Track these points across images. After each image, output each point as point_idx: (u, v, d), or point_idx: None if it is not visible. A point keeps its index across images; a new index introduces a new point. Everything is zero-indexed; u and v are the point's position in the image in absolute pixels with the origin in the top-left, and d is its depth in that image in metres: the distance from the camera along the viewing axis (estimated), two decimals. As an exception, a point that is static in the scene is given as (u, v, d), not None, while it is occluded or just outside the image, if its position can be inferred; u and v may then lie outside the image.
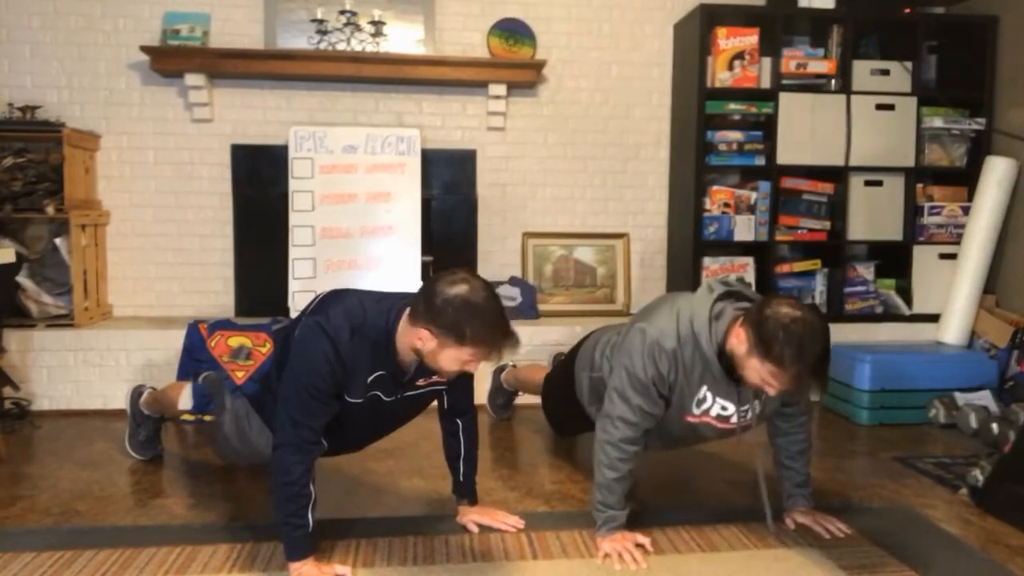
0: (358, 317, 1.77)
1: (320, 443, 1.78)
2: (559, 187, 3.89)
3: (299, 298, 3.45)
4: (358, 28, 3.59)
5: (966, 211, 3.65)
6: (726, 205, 3.64)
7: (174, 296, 3.68)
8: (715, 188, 3.66)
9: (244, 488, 2.37)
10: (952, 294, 3.55)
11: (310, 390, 1.73)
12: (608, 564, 1.86)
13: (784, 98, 3.58)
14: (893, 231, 3.70)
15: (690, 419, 1.97)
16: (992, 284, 3.60)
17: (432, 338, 1.68)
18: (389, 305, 1.80)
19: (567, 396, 2.39)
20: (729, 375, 1.86)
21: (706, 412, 1.95)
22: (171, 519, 2.12)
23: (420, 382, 1.88)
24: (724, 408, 1.94)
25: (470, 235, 3.80)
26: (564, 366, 2.52)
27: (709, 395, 1.92)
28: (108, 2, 3.56)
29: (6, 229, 3.33)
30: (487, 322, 1.66)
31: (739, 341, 1.77)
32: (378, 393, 1.83)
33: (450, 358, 1.70)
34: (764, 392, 1.79)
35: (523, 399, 3.15)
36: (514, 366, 3.17)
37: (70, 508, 2.20)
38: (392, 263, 3.55)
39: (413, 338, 1.72)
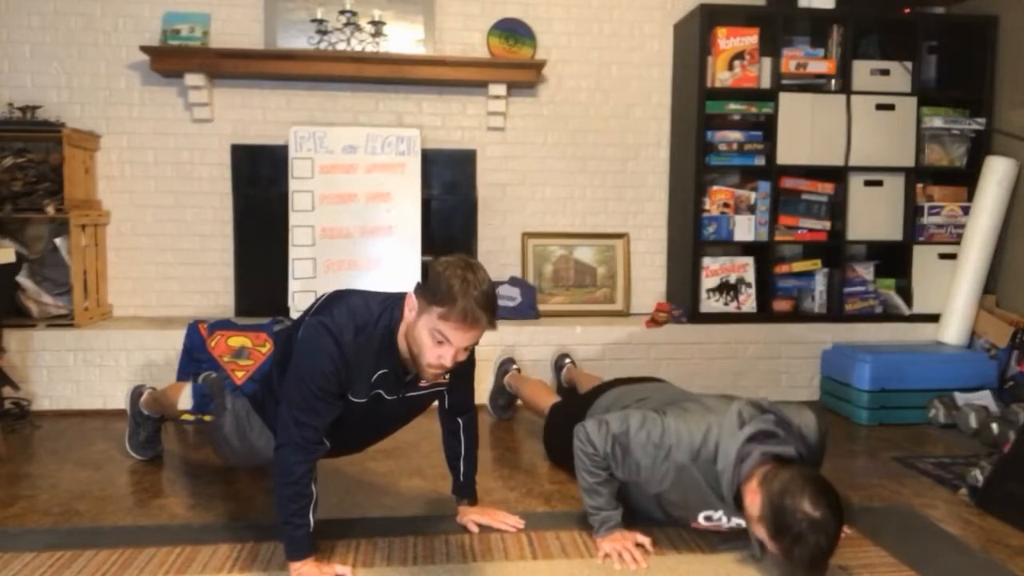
0: (362, 316, 1.77)
1: (323, 443, 1.78)
2: (559, 187, 3.89)
3: (299, 298, 3.45)
4: (358, 28, 3.59)
5: (966, 211, 3.65)
6: (726, 205, 3.64)
7: (174, 296, 3.68)
8: (715, 188, 3.66)
9: (244, 488, 2.37)
10: (952, 294, 3.55)
11: (314, 390, 1.73)
12: (608, 564, 1.86)
13: (784, 98, 3.58)
14: (893, 231, 3.70)
15: (695, 526, 1.97)
16: (992, 284, 3.60)
17: (417, 304, 1.71)
18: (392, 304, 1.81)
19: (570, 441, 2.35)
20: (739, 506, 1.84)
21: (716, 522, 1.94)
22: (171, 519, 2.13)
23: (422, 381, 1.88)
24: (739, 524, 1.91)
25: (470, 235, 3.80)
26: (576, 407, 2.44)
27: (723, 515, 1.92)
28: (108, 2, 3.56)
29: (6, 229, 3.33)
30: (465, 292, 1.65)
31: (752, 503, 1.75)
32: (381, 392, 1.83)
33: (424, 328, 1.69)
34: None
35: (523, 399, 3.15)
36: (518, 370, 3.17)
37: (70, 508, 2.20)
38: (392, 263, 3.55)
39: (406, 308, 1.75)
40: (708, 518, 1.93)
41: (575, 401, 2.61)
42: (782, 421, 1.91)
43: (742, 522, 1.87)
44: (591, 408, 2.34)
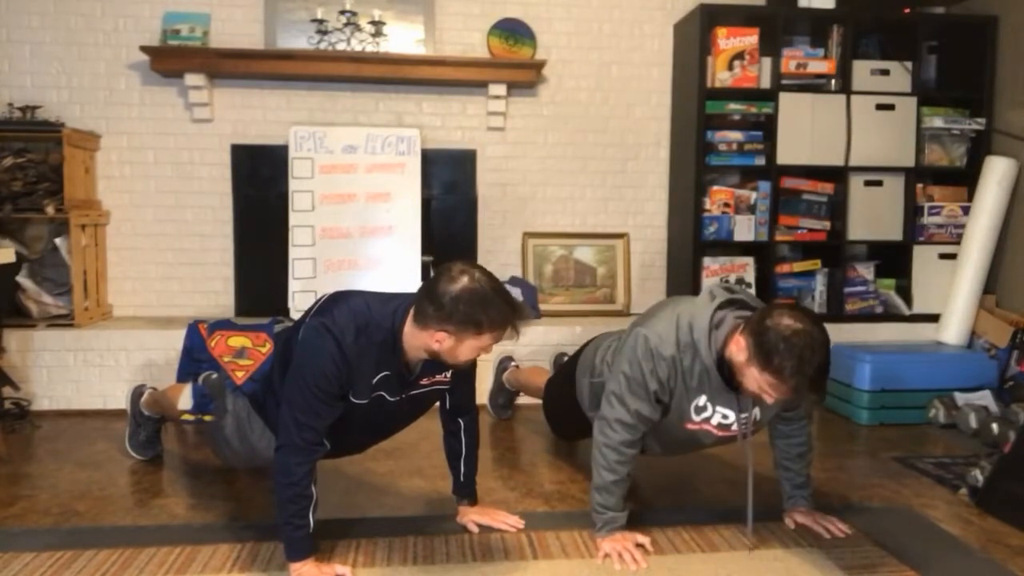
0: (363, 317, 1.77)
1: (323, 444, 1.78)
2: (559, 187, 3.89)
3: (299, 298, 3.45)
4: (358, 28, 3.59)
5: (966, 211, 3.65)
6: (726, 205, 3.64)
7: (174, 296, 3.68)
8: (715, 188, 3.66)
9: (244, 488, 2.37)
10: (952, 294, 3.55)
11: (315, 391, 1.73)
12: (608, 564, 1.86)
13: (784, 98, 3.58)
14: (893, 231, 3.70)
15: (690, 426, 1.97)
16: (992, 284, 3.60)
17: (450, 337, 1.71)
18: (395, 306, 1.80)
19: (568, 401, 2.39)
20: (728, 384, 1.86)
21: (706, 420, 1.95)
22: (171, 519, 2.13)
23: (424, 381, 1.88)
24: (725, 416, 1.93)
25: (470, 235, 3.80)
26: (565, 371, 2.51)
27: (708, 403, 1.92)
28: (108, 2, 3.56)
29: (6, 229, 3.33)
30: (498, 306, 1.70)
31: (738, 349, 1.76)
32: (383, 393, 1.83)
33: (470, 348, 1.74)
34: (763, 399, 1.79)
35: (524, 399, 3.15)
36: (516, 367, 3.17)
37: (70, 508, 2.20)
38: (392, 263, 3.55)
39: (428, 340, 1.73)
40: (698, 409, 1.93)
41: (564, 367, 2.64)
42: (754, 298, 1.96)
43: (729, 413, 1.90)
44: (579, 362, 2.38)
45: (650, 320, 1.97)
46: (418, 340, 1.76)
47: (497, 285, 1.73)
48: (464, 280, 1.68)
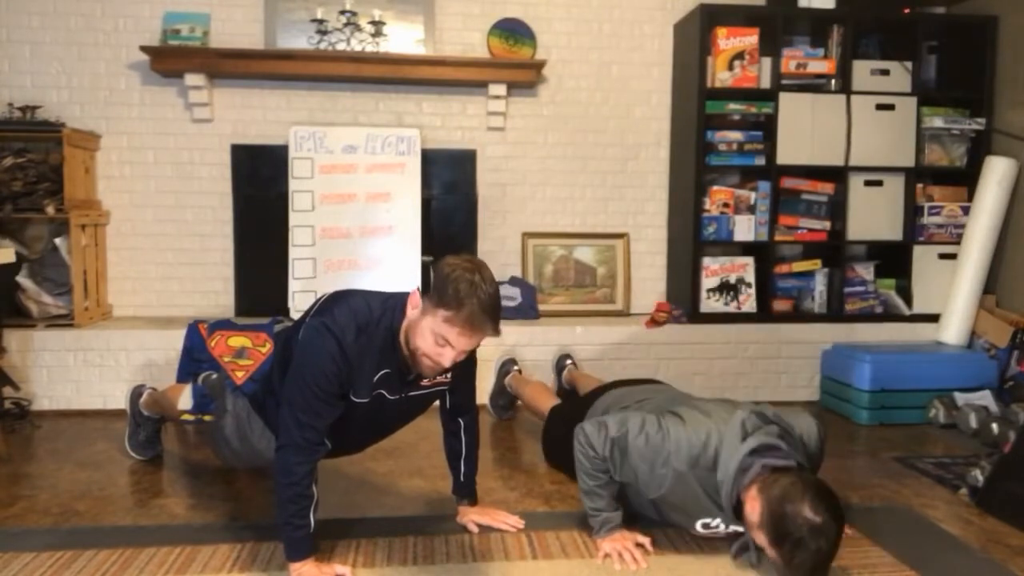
0: (363, 316, 1.77)
1: (324, 444, 1.78)
2: (559, 187, 3.89)
3: (299, 298, 3.45)
4: (358, 28, 3.59)
5: (966, 211, 3.65)
6: (726, 205, 3.64)
7: (174, 296, 3.68)
8: (715, 188, 3.66)
9: (244, 488, 2.37)
10: (952, 294, 3.55)
11: (315, 390, 1.73)
12: (608, 564, 1.86)
13: (784, 98, 3.58)
14: (893, 231, 3.70)
15: (699, 532, 1.96)
16: (992, 284, 3.60)
17: (418, 299, 1.72)
18: (394, 304, 1.81)
19: (569, 445, 2.34)
20: (736, 514, 1.83)
21: (714, 529, 1.94)
22: (171, 519, 2.13)
23: (424, 381, 1.88)
24: (737, 530, 1.89)
25: (470, 235, 3.79)
26: (573, 414, 2.41)
27: (721, 522, 1.90)
28: (108, 2, 3.56)
29: (6, 229, 3.32)
30: (470, 296, 1.64)
31: (752, 510, 1.74)
32: (383, 392, 1.83)
33: (426, 328, 1.69)
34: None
35: (523, 399, 3.15)
36: (519, 371, 3.16)
37: (70, 508, 2.20)
38: (392, 263, 3.55)
39: (408, 307, 1.75)
40: (706, 525, 1.92)
41: (574, 403, 2.61)
42: (785, 433, 1.90)
43: (740, 528, 1.87)
44: (590, 410, 2.34)
45: (679, 419, 1.92)
46: (405, 325, 1.76)
47: (491, 288, 1.69)
48: (467, 264, 1.70)
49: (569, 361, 3.27)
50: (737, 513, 1.82)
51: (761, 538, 1.73)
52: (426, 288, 1.74)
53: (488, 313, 1.67)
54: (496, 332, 1.71)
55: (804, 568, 1.65)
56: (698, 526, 1.93)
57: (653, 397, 2.24)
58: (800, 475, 1.74)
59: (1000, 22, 3.63)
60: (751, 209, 3.65)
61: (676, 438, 1.88)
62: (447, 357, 1.71)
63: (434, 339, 1.70)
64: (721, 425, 1.88)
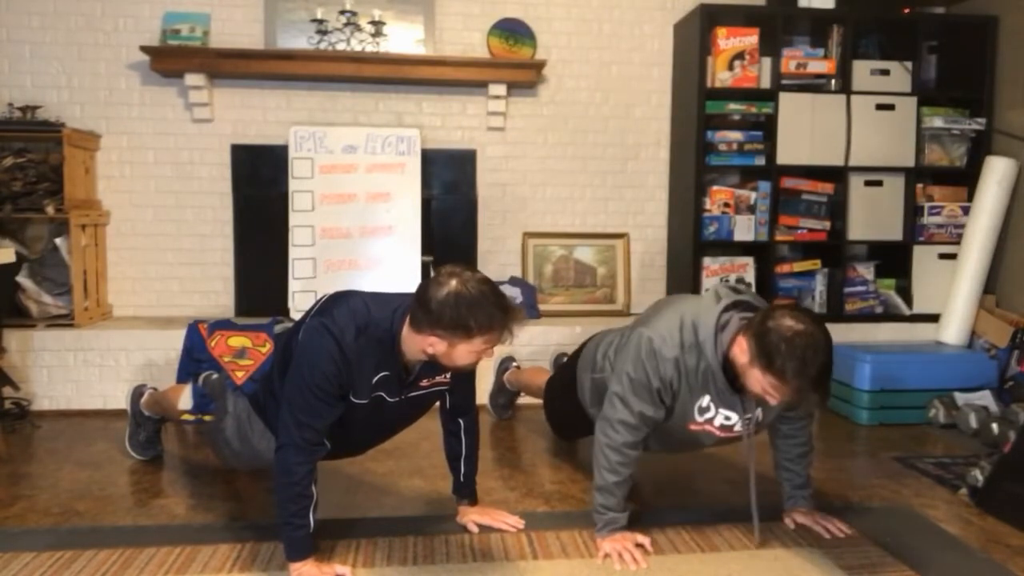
0: (363, 317, 1.77)
1: (323, 444, 1.78)
2: (559, 187, 3.89)
3: (299, 298, 3.45)
4: (358, 28, 3.59)
5: (966, 211, 3.65)
6: (726, 205, 3.64)
7: (174, 296, 3.68)
8: (715, 188, 3.66)
9: (244, 488, 2.37)
10: (952, 294, 3.55)
11: (315, 391, 1.73)
12: (608, 564, 1.86)
13: (784, 98, 3.58)
14: (893, 231, 3.70)
15: (693, 427, 1.97)
16: (992, 284, 3.60)
17: (441, 341, 1.70)
18: (394, 306, 1.81)
19: (569, 399, 2.39)
20: (732, 385, 1.86)
21: (709, 421, 1.95)
22: (171, 519, 2.13)
23: (424, 382, 1.89)
24: (727, 418, 1.93)
25: (470, 235, 3.80)
26: (566, 369, 2.51)
27: (712, 404, 1.92)
28: (108, 2, 3.56)
29: (6, 229, 3.33)
30: (486, 309, 1.68)
31: (741, 351, 1.77)
32: (382, 394, 1.83)
33: (464, 352, 1.73)
34: (765, 400, 1.79)
35: (525, 399, 3.15)
36: (518, 367, 3.17)
37: (70, 508, 2.20)
38: (392, 263, 3.55)
39: (423, 344, 1.73)
40: (701, 410, 1.92)
41: (565, 365, 2.64)
42: (759, 299, 1.95)
43: (732, 414, 1.90)
44: (580, 359, 2.37)
45: (653, 320, 1.96)
46: (414, 343, 1.76)
47: (487, 288, 1.71)
48: (452, 283, 1.68)
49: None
50: (732, 386, 1.84)
51: (755, 375, 1.73)
52: (434, 328, 1.70)
53: (509, 311, 1.74)
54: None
55: (799, 377, 1.66)
56: (695, 413, 1.93)
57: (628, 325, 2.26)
58: (777, 305, 1.78)
59: (1000, 22, 3.63)
60: (751, 209, 3.65)
61: (659, 335, 1.89)
62: (488, 353, 1.79)
63: (475, 356, 1.76)
64: (689, 305, 1.92)
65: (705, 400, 1.91)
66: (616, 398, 1.94)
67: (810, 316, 1.73)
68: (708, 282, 3.64)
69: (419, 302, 1.71)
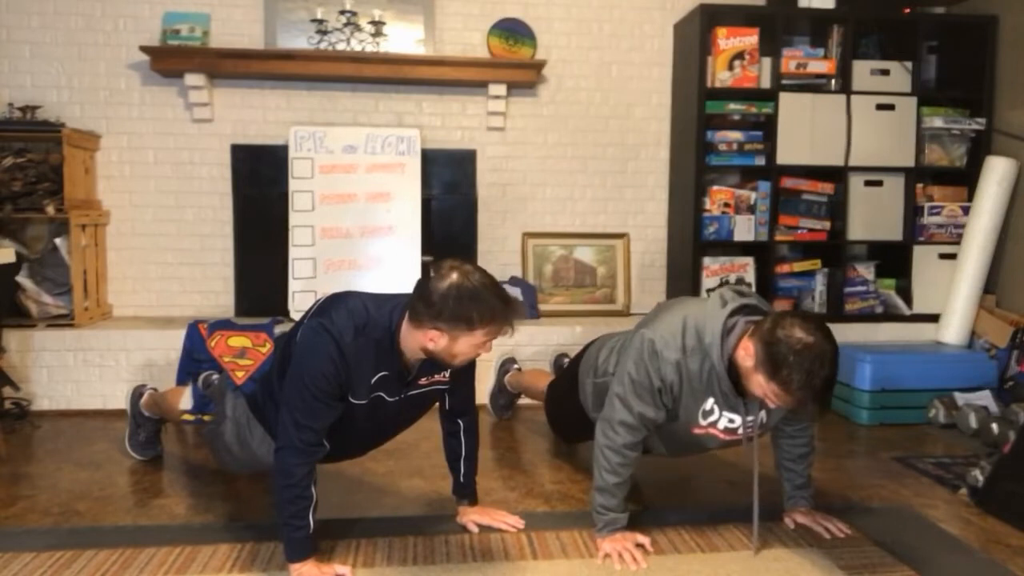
0: (361, 317, 1.77)
1: (322, 445, 1.77)
2: (559, 187, 3.89)
3: (299, 298, 3.45)
4: (358, 28, 3.59)
5: (966, 211, 3.65)
6: (726, 205, 3.64)
7: (174, 296, 3.68)
8: (715, 188, 3.66)
9: (244, 488, 2.37)
10: (952, 294, 3.55)
11: (314, 391, 1.72)
12: (608, 564, 1.86)
13: (784, 98, 3.58)
14: (893, 231, 3.70)
15: (696, 430, 1.97)
16: (992, 284, 3.60)
17: (443, 335, 1.70)
18: (392, 305, 1.81)
19: (571, 402, 2.38)
20: (736, 388, 1.85)
21: (713, 424, 1.95)
22: (171, 519, 2.13)
23: (423, 381, 1.88)
24: (731, 420, 1.93)
25: (470, 235, 3.80)
26: (568, 372, 2.50)
27: (716, 407, 1.91)
28: (108, 2, 3.56)
29: (6, 229, 3.32)
30: (488, 301, 1.69)
31: (746, 355, 1.76)
32: (382, 394, 1.83)
33: (465, 346, 1.73)
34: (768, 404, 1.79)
35: (525, 400, 3.15)
36: (519, 369, 3.17)
37: (70, 508, 2.20)
38: (392, 263, 3.55)
39: (423, 340, 1.73)
40: (705, 413, 1.92)
41: (566, 369, 2.64)
42: (764, 302, 1.94)
43: (736, 417, 1.89)
44: (581, 363, 2.37)
45: (655, 323, 1.95)
46: (414, 340, 1.75)
47: (488, 281, 1.72)
48: (454, 276, 1.69)
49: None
50: (736, 390, 1.83)
51: (759, 380, 1.73)
52: (435, 321, 1.70)
53: (512, 304, 1.75)
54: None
55: (804, 387, 1.65)
56: (699, 417, 1.93)
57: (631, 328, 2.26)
58: (787, 311, 1.75)
59: (1000, 22, 3.63)
60: (751, 209, 3.65)
61: (660, 336, 1.88)
62: (488, 347, 1.79)
63: (476, 349, 1.76)
64: (694, 307, 1.91)
65: (709, 403, 1.91)
66: (617, 399, 1.94)
67: (819, 325, 1.70)
68: (708, 282, 3.64)
69: (420, 296, 1.71)
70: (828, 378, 1.67)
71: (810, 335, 1.67)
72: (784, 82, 3.59)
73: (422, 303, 1.70)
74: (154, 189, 3.64)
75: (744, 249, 3.74)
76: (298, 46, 3.59)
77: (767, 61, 3.60)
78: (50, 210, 3.22)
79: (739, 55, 3.56)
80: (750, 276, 3.68)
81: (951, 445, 2.90)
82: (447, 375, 1.92)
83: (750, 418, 1.91)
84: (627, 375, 1.92)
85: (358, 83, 3.69)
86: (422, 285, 1.72)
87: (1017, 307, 3.49)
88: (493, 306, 1.69)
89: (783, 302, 3.70)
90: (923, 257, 3.70)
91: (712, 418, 1.93)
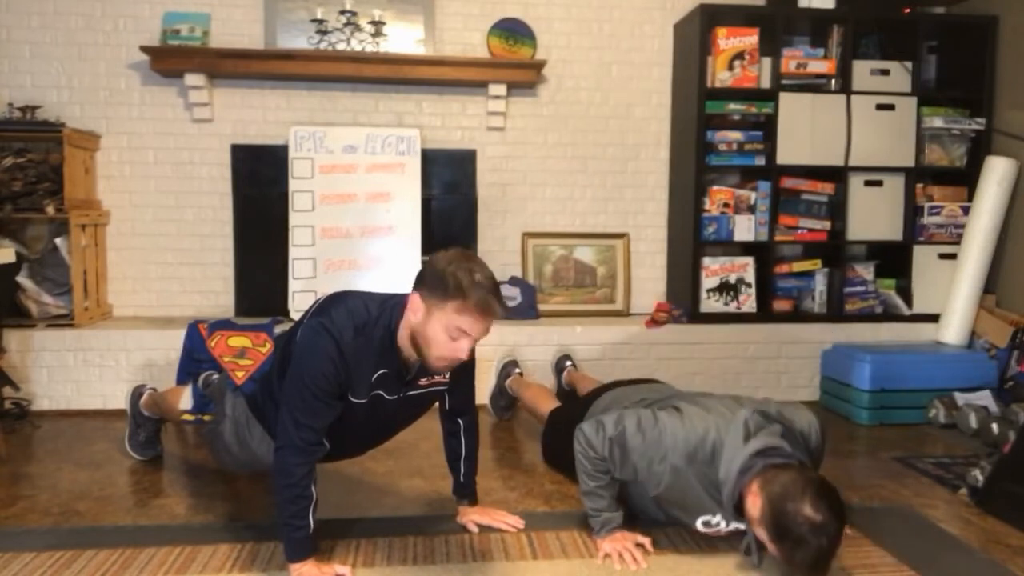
0: (361, 316, 1.77)
1: (322, 445, 1.78)
2: (559, 187, 3.89)
3: (299, 298, 3.45)
4: (358, 28, 3.59)
5: (966, 211, 3.65)
6: (726, 205, 3.64)
7: (174, 296, 3.68)
8: (715, 188, 3.66)
9: (244, 488, 2.37)
10: (952, 294, 3.55)
11: (313, 390, 1.73)
12: (608, 564, 1.86)
13: (784, 98, 3.58)
14: (893, 231, 3.70)
15: (700, 530, 1.95)
16: (992, 284, 3.60)
17: (421, 304, 1.71)
18: (391, 304, 1.81)
19: (570, 445, 2.33)
20: (739, 512, 1.82)
21: (716, 527, 1.92)
22: (171, 519, 2.13)
23: (423, 381, 1.88)
24: (738, 527, 1.89)
25: (470, 235, 3.79)
26: (573, 412, 2.42)
27: (722, 521, 1.90)
28: (108, 2, 3.56)
29: (6, 229, 3.32)
30: (471, 278, 1.67)
31: (753, 506, 1.73)
32: (381, 393, 1.83)
33: (439, 327, 1.69)
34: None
35: (524, 399, 3.15)
36: (520, 374, 3.15)
37: (70, 508, 2.20)
38: (392, 263, 3.55)
39: (408, 314, 1.74)
40: (707, 523, 1.92)
41: (574, 405, 2.60)
42: (787, 431, 1.89)
43: (741, 525, 1.87)
44: (589, 410, 2.33)
45: (678, 414, 1.92)
46: (406, 324, 1.76)
47: (486, 271, 1.71)
48: (454, 256, 1.72)
49: (569, 362, 3.27)
50: (738, 509, 1.81)
51: (762, 533, 1.73)
52: (418, 287, 1.74)
53: (494, 294, 1.70)
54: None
55: (805, 565, 1.65)
56: (699, 524, 1.93)
57: (652, 396, 2.24)
58: (801, 472, 1.73)
59: (1000, 22, 3.63)
60: (751, 209, 3.65)
61: (673, 433, 1.87)
62: (463, 349, 1.72)
63: (448, 334, 1.70)
64: (720, 421, 1.87)
65: (715, 519, 1.90)
66: (601, 427, 1.94)
67: (830, 502, 1.65)
68: (708, 282, 3.64)
69: (423, 266, 1.76)
70: (829, 554, 1.65)
71: (819, 513, 1.62)
72: (784, 82, 3.59)
73: (419, 274, 1.75)
74: (154, 189, 3.64)
75: (744, 249, 3.74)
76: (298, 46, 3.59)
77: (767, 61, 3.60)
78: (50, 210, 3.22)
79: (739, 55, 3.56)
80: (750, 276, 3.67)
81: (951, 445, 2.90)
82: (447, 376, 1.92)
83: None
84: (624, 427, 1.92)
85: (358, 83, 3.69)
86: (429, 258, 1.76)
87: (1017, 307, 3.49)
88: (475, 284, 1.65)
89: (783, 302, 3.70)
90: (923, 257, 3.70)
91: (714, 525, 1.92)
